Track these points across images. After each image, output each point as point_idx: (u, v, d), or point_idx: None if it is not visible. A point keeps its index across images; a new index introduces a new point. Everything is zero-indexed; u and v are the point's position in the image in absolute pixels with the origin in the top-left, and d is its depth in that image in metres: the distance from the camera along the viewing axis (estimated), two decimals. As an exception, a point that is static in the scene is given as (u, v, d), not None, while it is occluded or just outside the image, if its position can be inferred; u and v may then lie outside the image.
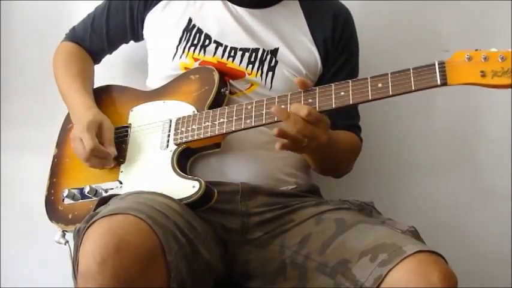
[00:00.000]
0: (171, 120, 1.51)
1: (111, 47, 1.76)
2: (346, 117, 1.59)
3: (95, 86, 1.71)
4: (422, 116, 1.98)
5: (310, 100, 1.35)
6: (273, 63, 1.56)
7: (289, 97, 1.37)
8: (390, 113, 1.92)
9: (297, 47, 1.58)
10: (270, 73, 1.55)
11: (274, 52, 1.57)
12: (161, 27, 1.62)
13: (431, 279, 1.17)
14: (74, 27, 1.78)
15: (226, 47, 1.57)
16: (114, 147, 1.51)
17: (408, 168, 2.00)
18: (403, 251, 1.21)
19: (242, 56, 1.56)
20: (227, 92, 1.52)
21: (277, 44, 1.57)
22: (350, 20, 1.66)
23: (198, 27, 1.59)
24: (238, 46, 1.56)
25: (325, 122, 1.34)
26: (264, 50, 1.56)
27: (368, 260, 1.24)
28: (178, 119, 1.50)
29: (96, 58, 1.78)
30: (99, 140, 1.50)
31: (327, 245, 1.34)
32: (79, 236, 1.25)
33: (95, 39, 1.74)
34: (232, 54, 1.56)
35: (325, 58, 1.60)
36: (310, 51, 1.59)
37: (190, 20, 1.60)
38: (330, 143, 1.38)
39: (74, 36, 1.77)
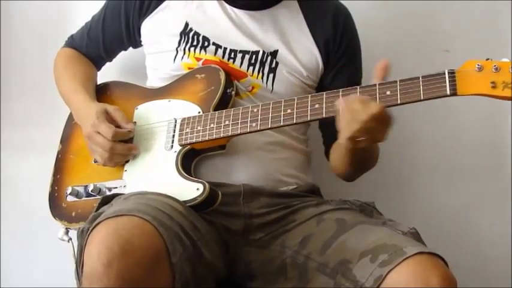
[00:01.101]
0: (176, 120, 1.50)
1: (109, 54, 1.76)
2: None
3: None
4: (425, 117, 1.98)
5: (316, 106, 1.34)
6: (273, 65, 1.55)
7: (296, 101, 1.36)
8: (393, 114, 1.92)
9: (297, 48, 1.57)
10: (271, 75, 1.55)
11: (274, 54, 1.56)
12: (158, 32, 1.61)
13: (430, 281, 1.17)
14: (72, 35, 1.78)
15: (225, 49, 1.56)
16: (131, 122, 1.52)
17: (409, 169, 2.00)
18: (403, 252, 1.20)
19: (242, 58, 1.55)
20: (233, 92, 1.51)
21: (277, 45, 1.57)
22: (350, 19, 1.65)
23: (195, 31, 1.58)
24: (238, 48, 1.56)
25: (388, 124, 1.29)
26: (264, 52, 1.56)
27: (368, 260, 1.24)
28: (183, 119, 1.49)
29: (96, 65, 1.77)
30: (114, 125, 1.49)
31: (328, 245, 1.34)
32: (83, 237, 1.25)
33: (91, 48, 1.73)
34: (232, 56, 1.56)
35: (326, 58, 1.59)
36: (311, 52, 1.58)
37: (187, 24, 1.59)
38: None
39: (73, 43, 1.77)
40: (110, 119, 1.50)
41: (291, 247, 1.41)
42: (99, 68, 1.79)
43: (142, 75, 1.70)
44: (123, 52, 1.77)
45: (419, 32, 1.99)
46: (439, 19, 2.00)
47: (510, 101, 1.19)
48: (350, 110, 1.26)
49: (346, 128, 1.27)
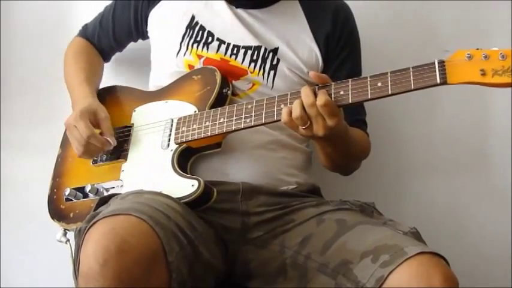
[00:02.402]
0: (172, 120, 1.51)
1: (119, 45, 1.79)
2: (352, 112, 1.57)
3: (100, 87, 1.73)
4: (424, 116, 1.98)
5: None
6: (275, 62, 1.56)
7: (289, 96, 1.38)
8: (392, 113, 1.92)
9: (297, 45, 1.58)
10: (272, 72, 1.56)
11: (275, 51, 1.57)
12: (164, 24, 1.63)
13: (432, 281, 1.17)
14: (86, 24, 1.81)
15: (229, 44, 1.57)
16: (114, 137, 1.52)
17: (409, 168, 2.00)
18: (404, 252, 1.21)
19: (245, 53, 1.56)
20: (229, 92, 1.52)
21: (278, 43, 1.57)
22: (350, 16, 1.66)
23: (201, 25, 1.60)
24: (241, 44, 1.57)
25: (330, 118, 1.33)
26: (265, 49, 1.57)
27: (369, 260, 1.24)
28: (180, 118, 1.50)
29: (106, 56, 1.81)
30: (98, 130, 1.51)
31: (328, 246, 1.34)
32: (80, 236, 1.25)
33: (102, 37, 1.77)
34: (235, 51, 1.57)
35: (326, 55, 1.59)
36: (311, 49, 1.59)
37: (193, 17, 1.61)
38: (342, 133, 1.38)
39: (85, 33, 1.80)
40: (95, 121, 1.52)
41: (290, 247, 1.41)
42: (108, 58, 1.82)
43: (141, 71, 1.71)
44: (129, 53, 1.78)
45: (419, 32, 1.99)
46: (439, 19, 2.00)
47: (510, 100, 1.20)
48: (302, 95, 1.32)
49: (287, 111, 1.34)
